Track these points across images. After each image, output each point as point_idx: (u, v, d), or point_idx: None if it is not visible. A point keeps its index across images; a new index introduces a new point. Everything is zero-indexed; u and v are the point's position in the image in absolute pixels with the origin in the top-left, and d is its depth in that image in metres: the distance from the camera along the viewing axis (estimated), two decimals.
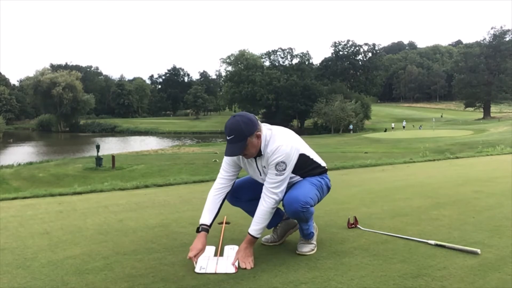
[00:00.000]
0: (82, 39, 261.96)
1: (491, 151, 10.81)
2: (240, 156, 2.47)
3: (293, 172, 2.45)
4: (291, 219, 2.73)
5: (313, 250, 2.57)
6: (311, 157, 2.56)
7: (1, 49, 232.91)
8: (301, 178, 2.54)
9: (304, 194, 2.41)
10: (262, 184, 2.46)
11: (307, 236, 2.59)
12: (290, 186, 2.51)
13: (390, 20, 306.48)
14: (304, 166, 2.51)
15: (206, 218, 2.47)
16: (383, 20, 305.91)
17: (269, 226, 2.68)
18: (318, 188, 2.54)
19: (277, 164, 2.34)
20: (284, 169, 2.36)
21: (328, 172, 2.71)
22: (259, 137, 2.34)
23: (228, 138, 2.31)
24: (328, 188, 2.66)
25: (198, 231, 2.44)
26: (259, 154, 2.40)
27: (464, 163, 8.19)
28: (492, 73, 71.89)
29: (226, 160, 2.53)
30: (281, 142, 2.35)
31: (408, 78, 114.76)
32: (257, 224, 2.41)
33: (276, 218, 2.69)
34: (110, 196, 4.98)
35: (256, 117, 2.41)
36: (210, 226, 2.47)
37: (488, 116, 71.79)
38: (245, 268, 2.32)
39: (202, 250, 2.38)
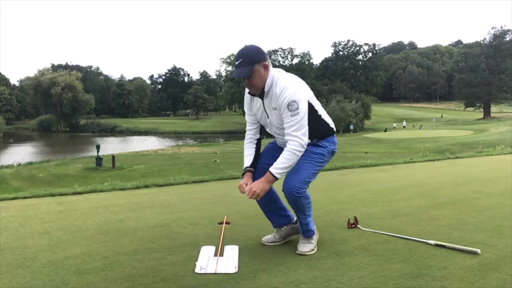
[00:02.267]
0: (82, 39, 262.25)
1: (491, 151, 10.80)
2: (253, 101, 2.57)
3: None
4: (297, 224, 2.70)
5: (313, 250, 2.57)
6: (319, 113, 2.55)
7: (1, 49, 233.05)
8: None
9: (300, 179, 2.42)
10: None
11: (306, 233, 2.59)
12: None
13: (390, 20, 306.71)
14: (310, 120, 2.46)
15: (248, 162, 2.62)
16: (383, 20, 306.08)
17: (276, 225, 2.74)
18: (318, 162, 2.52)
19: (289, 104, 2.35)
20: (297, 108, 2.35)
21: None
22: (266, 68, 2.39)
23: (236, 63, 2.38)
24: (333, 153, 2.64)
25: (243, 174, 2.58)
26: (263, 92, 2.43)
27: (464, 163, 8.19)
28: (492, 73, 71.86)
29: (245, 111, 2.69)
30: (289, 83, 2.39)
31: (408, 78, 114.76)
32: (280, 163, 2.39)
33: (285, 219, 2.73)
34: (110, 196, 4.97)
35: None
36: (252, 167, 2.59)
37: (488, 116, 71.79)
38: (245, 193, 2.42)
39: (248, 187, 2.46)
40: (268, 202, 2.66)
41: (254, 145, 2.68)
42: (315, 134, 2.52)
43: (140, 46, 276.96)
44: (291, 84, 2.38)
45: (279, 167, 2.39)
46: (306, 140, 2.39)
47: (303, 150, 2.40)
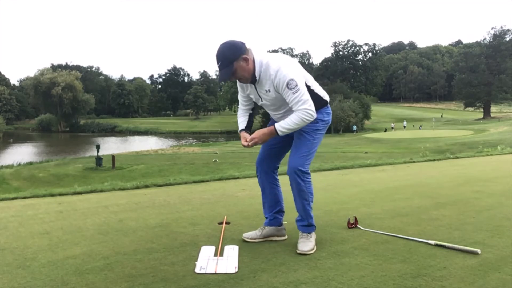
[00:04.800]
0: (82, 39, 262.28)
1: (491, 151, 10.78)
2: (244, 85, 2.62)
3: None
4: (282, 226, 2.84)
5: (313, 249, 2.57)
6: (312, 87, 2.60)
7: (1, 49, 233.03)
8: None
9: (301, 155, 2.57)
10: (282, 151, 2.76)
11: (307, 228, 2.64)
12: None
13: (390, 20, 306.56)
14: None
15: (242, 125, 2.75)
16: (383, 20, 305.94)
17: (266, 222, 2.82)
18: (315, 136, 2.62)
19: (288, 84, 2.39)
20: (296, 85, 2.39)
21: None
22: (246, 60, 2.40)
23: (218, 65, 2.41)
24: (328, 123, 2.71)
25: (239, 132, 2.74)
26: (254, 79, 2.47)
27: (464, 163, 8.18)
28: (492, 73, 71.80)
29: (239, 91, 2.75)
30: (280, 64, 2.42)
31: (408, 78, 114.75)
32: (286, 124, 2.46)
33: (276, 221, 2.82)
34: (110, 196, 4.97)
35: (244, 42, 2.45)
36: (246, 129, 2.72)
37: (488, 116, 71.73)
38: (246, 145, 2.52)
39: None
40: (273, 198, 2.81)
41: (248, 114, 2.79)
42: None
43: (140, 46, 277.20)
44: (283, 64, 2.42)
45: (284, 126, 2.46)
46: (313, 109, 2.44)
47: (312, 119, 2.45)
